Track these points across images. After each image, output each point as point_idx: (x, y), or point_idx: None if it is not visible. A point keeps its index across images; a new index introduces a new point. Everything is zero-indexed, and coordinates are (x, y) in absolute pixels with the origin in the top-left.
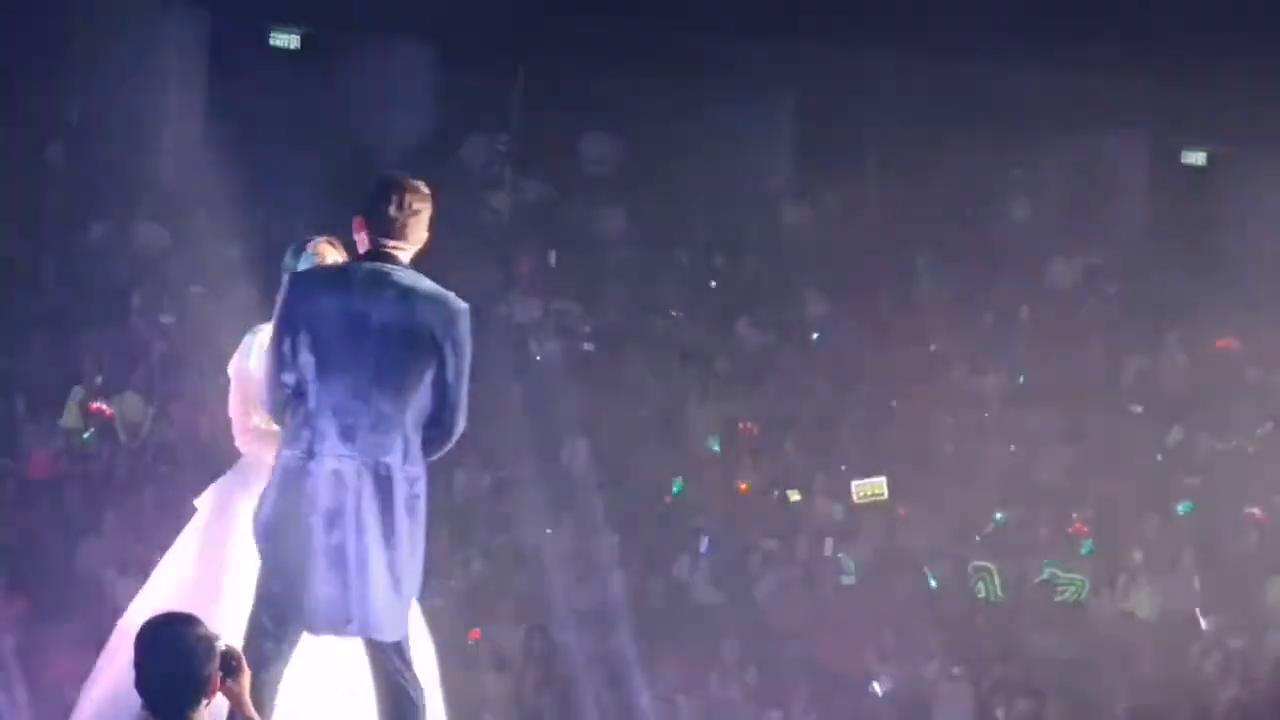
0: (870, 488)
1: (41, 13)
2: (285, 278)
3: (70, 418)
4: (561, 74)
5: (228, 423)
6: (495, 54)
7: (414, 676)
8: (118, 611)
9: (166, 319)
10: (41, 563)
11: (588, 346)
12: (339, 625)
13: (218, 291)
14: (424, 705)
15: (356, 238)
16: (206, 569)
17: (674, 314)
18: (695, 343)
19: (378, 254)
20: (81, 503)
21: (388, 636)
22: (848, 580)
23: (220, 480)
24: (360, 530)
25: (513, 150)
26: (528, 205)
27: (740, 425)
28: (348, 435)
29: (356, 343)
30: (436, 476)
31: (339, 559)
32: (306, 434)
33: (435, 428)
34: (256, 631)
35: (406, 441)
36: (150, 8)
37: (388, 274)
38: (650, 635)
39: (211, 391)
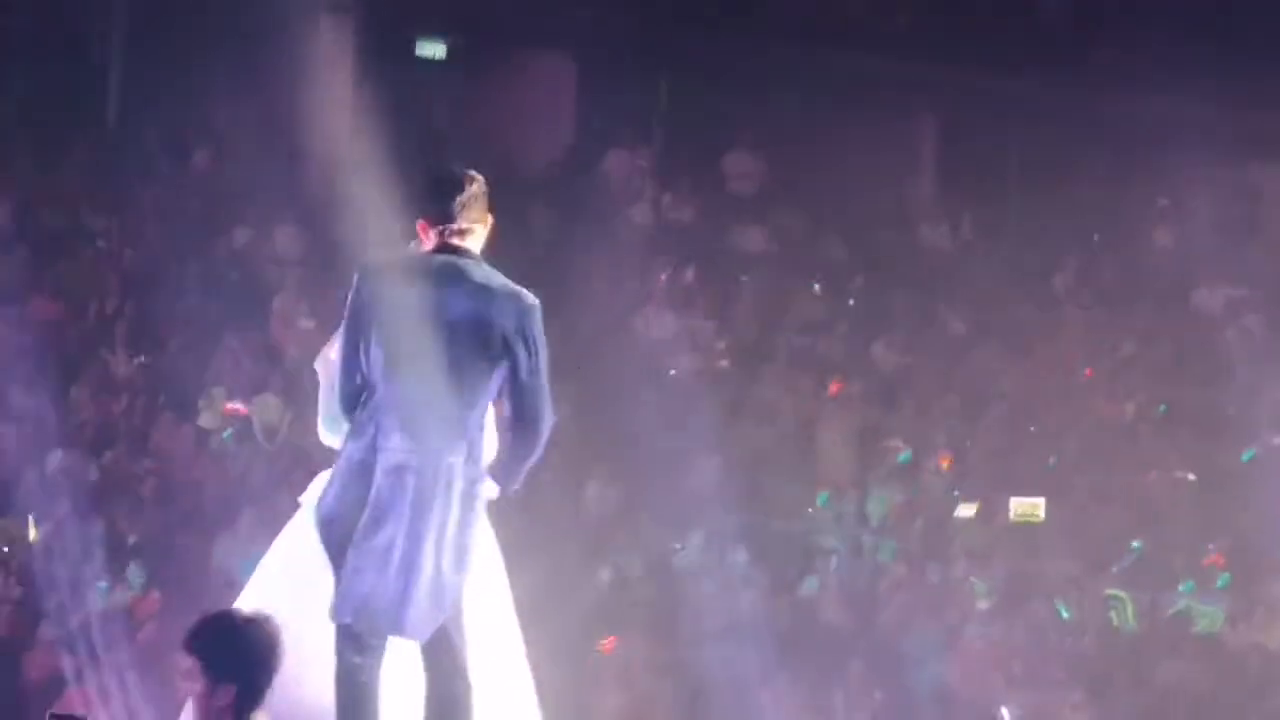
0: (1028, 507)
1: (189, 20)
2: (361, 269)
3: (209, 418)
4: (704, 90)
5: None
6: (638, 69)
7: (463, 676)
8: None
9: (306, 323)
10: (178, 560)
11: (723, 363)
12: (374, 622)
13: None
14: (471, 705)
15: (424, 239)
16: (304, 564)
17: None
18: (831, 363)
19: (447, 247)
20: (218, 502)
21: (421, 637)
22: (981, 604)
23: (321, 474)
24: (413, 529)
25: (653, 165)
26: (667, 220)
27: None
28: (413, 432)
29: (427, 338)
30: (566, 490)
31: (384, 556)
32: (371, 429)
33: (521, 429)
34: (337, 635)
35: (471, 442)
36: (298, 15)
37: (462, 269)
38: (777, 654)
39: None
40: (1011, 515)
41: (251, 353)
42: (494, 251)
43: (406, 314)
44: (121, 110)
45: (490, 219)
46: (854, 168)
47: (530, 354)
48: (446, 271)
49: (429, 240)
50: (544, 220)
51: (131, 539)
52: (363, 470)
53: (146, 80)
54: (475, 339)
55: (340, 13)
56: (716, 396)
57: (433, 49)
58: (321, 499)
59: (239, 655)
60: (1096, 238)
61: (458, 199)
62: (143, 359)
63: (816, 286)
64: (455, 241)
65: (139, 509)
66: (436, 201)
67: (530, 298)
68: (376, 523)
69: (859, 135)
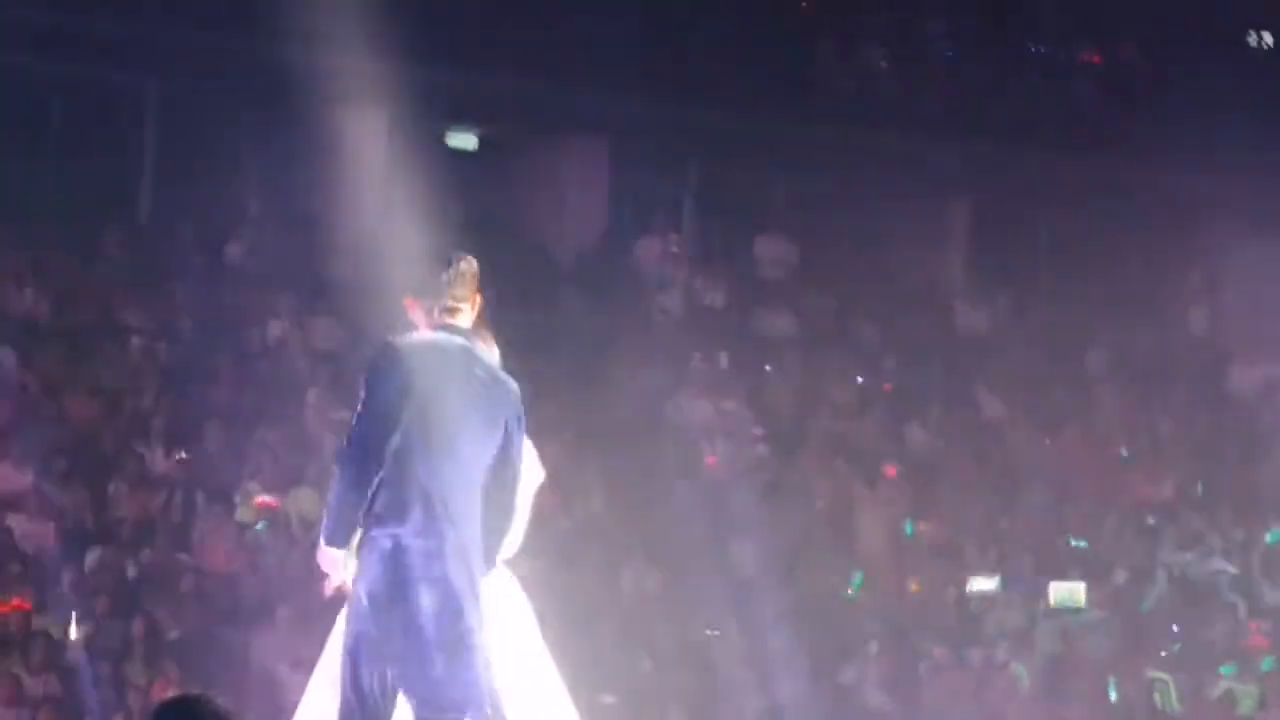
0: (1068, 593)
1: (221, 114)
2: (384, 347)
3: (246, 512)
4: (735, 173)
5: None
6: (668, 155)
7: None
8: (290, 707)
9: (340, 415)
10: (217, 656)
11: (758, 448)
12: (446, 708)
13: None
14: None
15: (413, 317)
16: None
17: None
18: (866, 445)
19: (446, 326)
20: (256, 596)
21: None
22: (1023, 687)
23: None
24: (456, 608)
25: (684, 251)
26: (699, 306)
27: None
28: (436, 513)
29: (449, 419)
30: (603, 574)
31: (453, 643)
32: (397, 511)
33: (503, 506)
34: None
35: (477, 520)
36: (330, 107)
37: (472, 350)
38: None
39: None
40: (1052, 601)
41: (286, 445)
42: (527, 340)
43: (433, 395)
44: (154, 204)
45: (479, 299)
46: (886, 248)
47: (520, 436)
48: (461, 354)
49: (420, 319)
50: (576, 307)
51: (171, 635)
52: (396, 554)
53: (179, 174)
54: (486, 420)
55: (372, 103)
56: (752, 481)
57: (464, 140)
58: (357, 591)
59: None
60: (1134, 311)
61: (446, 276)
62: (181, 454)
63: (859, 379)
64: (449, 320)
65: (178, 605)
66: (435, 281)
67: (514, 383)
68: (423, 607)
69: (891, 215)
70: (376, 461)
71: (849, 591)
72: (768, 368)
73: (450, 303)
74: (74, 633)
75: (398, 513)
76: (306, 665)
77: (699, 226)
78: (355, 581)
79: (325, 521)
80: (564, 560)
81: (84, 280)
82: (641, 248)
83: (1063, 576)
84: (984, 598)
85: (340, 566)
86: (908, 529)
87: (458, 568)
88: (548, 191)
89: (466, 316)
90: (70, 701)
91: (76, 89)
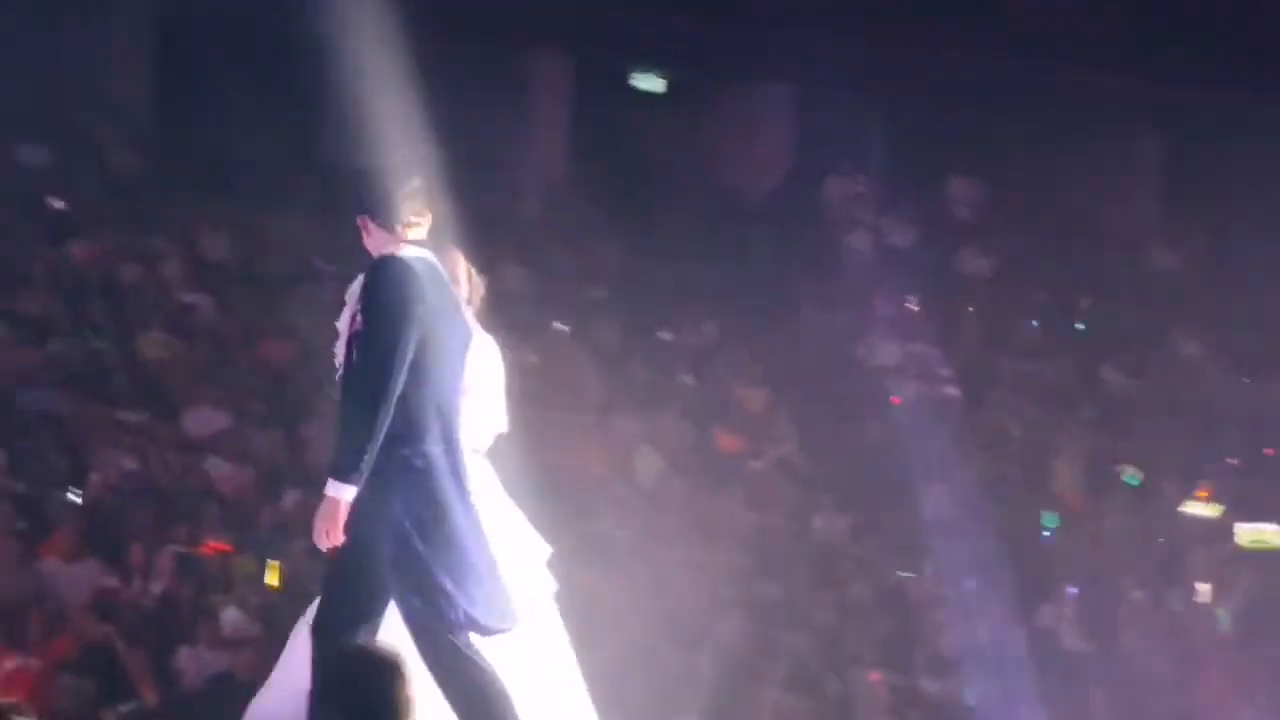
0: (1259, 534)
1: (407, 59)
2: (390, 260)
3: None
4: (924, 114)
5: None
6: (856, 95)
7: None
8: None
9: (530, 358)
10: None
11: (949, 390)
12: (498, 620)
13: (580, 330)
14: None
15: (368, 242)
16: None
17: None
18: (1059, 387)
19: (418, 243)
20: None
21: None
22: (1224, 631)
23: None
24: (480, 520)
25: (873, 191)
26: (887, 247)
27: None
28: (449, 426)
29: (442, 330)
30: (794, 519)
31: (482, 551)
32: (421, 427)
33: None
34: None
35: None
36: (515, 51)
37: (439, 268)
38: (1014, 684)
39: (575, 427)
40: (1240, 542)
41: None
42: (717, 280)
43: (437, 314)
44: (344, 151)
45: (430, 216)
46: (1077, 187)
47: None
48: (438, 269)
49: (379, 238)
50: (764, 249)
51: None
52: (429, 473)
53: (368, 122)
54: (463, 330)
55: (558, 47)
56: (943, 423)
57: (650, 82)
58: (401, 520)
59: None
60: None
61: (403, 192)
62: None
63: (1035, 323)
64: (410, 236)
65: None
66: (386, 198)
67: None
68: (468, 523)
69: (1082, 153)
70: (400, 377)
71: (1044, 533)
72: (958, 308)
73: (412, 219)
74: (272, 576)
75: (421, 429)
76: None
77: (886, 167)
78: (378, 509)
79: (346, 452)
80: (754, 504)
81: (279, 226)
82: (829, 189)
83: (1263, 520)
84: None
85: (347, 505)
86: (1131, 479)
87: (469, 480)
88: (735, 134)
89: (423, 233)
90: (270, 642)
91: (270, 39)
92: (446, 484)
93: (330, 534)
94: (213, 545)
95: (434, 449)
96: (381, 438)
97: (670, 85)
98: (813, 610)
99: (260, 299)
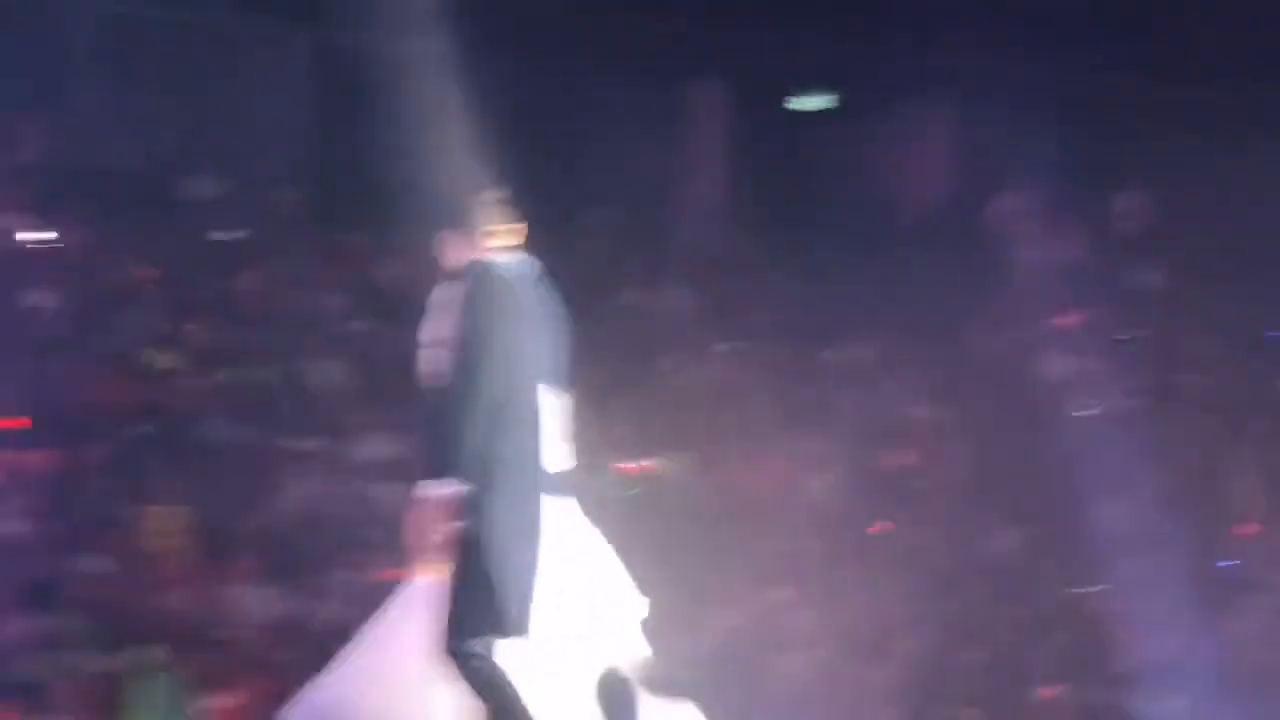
0: None
1: (566, 89)
2: (484, 266)
3: (606, 478)
4: (1087, 129)
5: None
6: (1019, 111)
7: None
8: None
9: (695, 379)
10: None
11: (1123, 404)
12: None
13: (744, 352)
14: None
15: (451, 254)
16: None
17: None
18: (1234, 401)
19: (503, 250)
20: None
21: None
22: None
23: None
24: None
25: (1040, 207)
26: (1056, 262)
27: None
28: (544, 432)
29: (537, 343)
30: (967, 536)
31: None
32: (518, 439)
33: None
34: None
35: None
36: (675, 78)
37: (536, 277)
38: (1194, 699)
39: (746, 449)
40: None
41: (643, 412)
42: (883, 299)
43: (532, 318)
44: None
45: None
46: (1246, 202)
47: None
48: (532, 275)
49: (459, 251)
50: (929, 267)
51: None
52: (523, 476)
53: (534, 149)
54: (550, 337)
55: (714, 72)
56: (1118, 437)
57: (809, 103)
58: (494, 513)
59: None
60: None
61: (483, 204)
62: None
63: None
64: (493, 245)
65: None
66: (467, 210)
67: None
68: (535, 527)
69: (1250, 168)
70: (494, 384)
71: (1223, 547)
72: (1130, 323)
73: (494, 228)
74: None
75: (511, 433)
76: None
77: (1051, 182)
78: (488, 513)
79: (450, 461)
80: (926, 521)
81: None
82: (994, 206)
83: None
84: None
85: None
86: None
87: (553, 485)
88: (897, 153)
89: (506, 241)
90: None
91: (432, 65)
92: (521, 490)
93: (422, 533)
94: (387, 571)
95: (524, 448)
96: (474, 446)
97: (830, 106)
98: (990, 626)
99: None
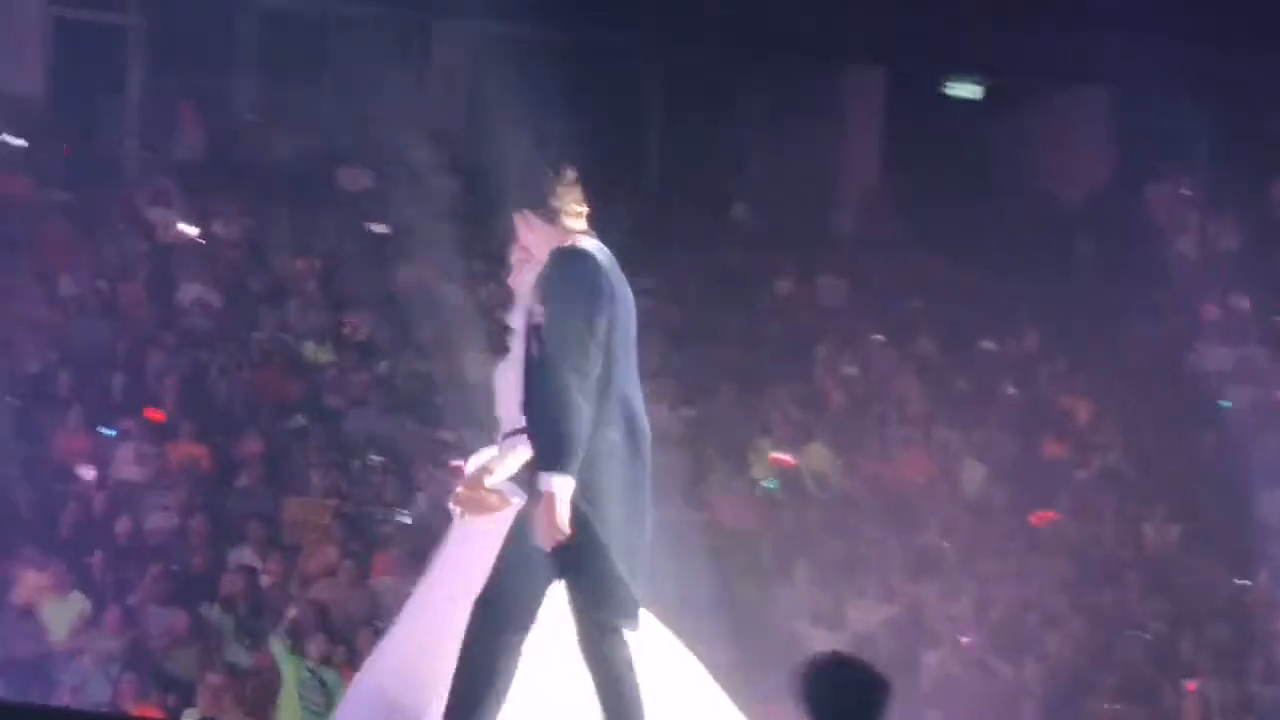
0: None
1: (724, 78)
2: (574, 250)
3: (758, 468)
4: (1246, 114)
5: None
6: (1178, 97)
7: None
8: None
9: (849, 370)
10: (738, 611)
11: None
12: (636, 619)
13: (898, 341)
14: None
15: (528, 237)
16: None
17: None
18: None
19: (586, 233)
20: (771, 553)
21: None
22: None
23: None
24: (647, 505)
25: (1199, 194)
26: (1214, 250)
27: None
28: (637, 416)
29: (626, 325)
30: (1124, 528)
31: (645, 536)
32: (611, 414)
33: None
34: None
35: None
36: (829, 64)
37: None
38: None
39: (895, 441)
40: None
41: (797, 402)
42: (1039, 288)
43: (624, 302)
44: (663, 171)
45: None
46: None
47: None
48: (613, 259)
49: (541, 233)
50: (1086, 254)
51: (686, 592)
52: (628, 457)
53: (686, 140)
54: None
55: (871, 58)
56: (1277, 428)
57: (966, 89)
58: (601, 494)
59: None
60: None
61: (562, 184)
62: (690, 411)
63: None
64: (576, 226)
65: (693, 562)
66: (545, 191)
67: None
68: (642, 506)
69: None
70: (593, 364)
71: None
72: None
73: (574, 208)
74: None
75: (605, 415)
76: (825, 620)
77: (1211, 170)
78: (595, 487)
79: (552, 443)
80: (1082, 513)
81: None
82: (1151, 193)
83: None
84: None
85: (567, 496)
86: None
87: (648, 471)
88: (1055, 140)
89: (583, 223)
90: None
91: (583, 56)
92: (626, 471)
93: (559, 528)
94: None
95: (615, 435)
96: (585, 423)
97: (988, 92)
98: (1145, 619)
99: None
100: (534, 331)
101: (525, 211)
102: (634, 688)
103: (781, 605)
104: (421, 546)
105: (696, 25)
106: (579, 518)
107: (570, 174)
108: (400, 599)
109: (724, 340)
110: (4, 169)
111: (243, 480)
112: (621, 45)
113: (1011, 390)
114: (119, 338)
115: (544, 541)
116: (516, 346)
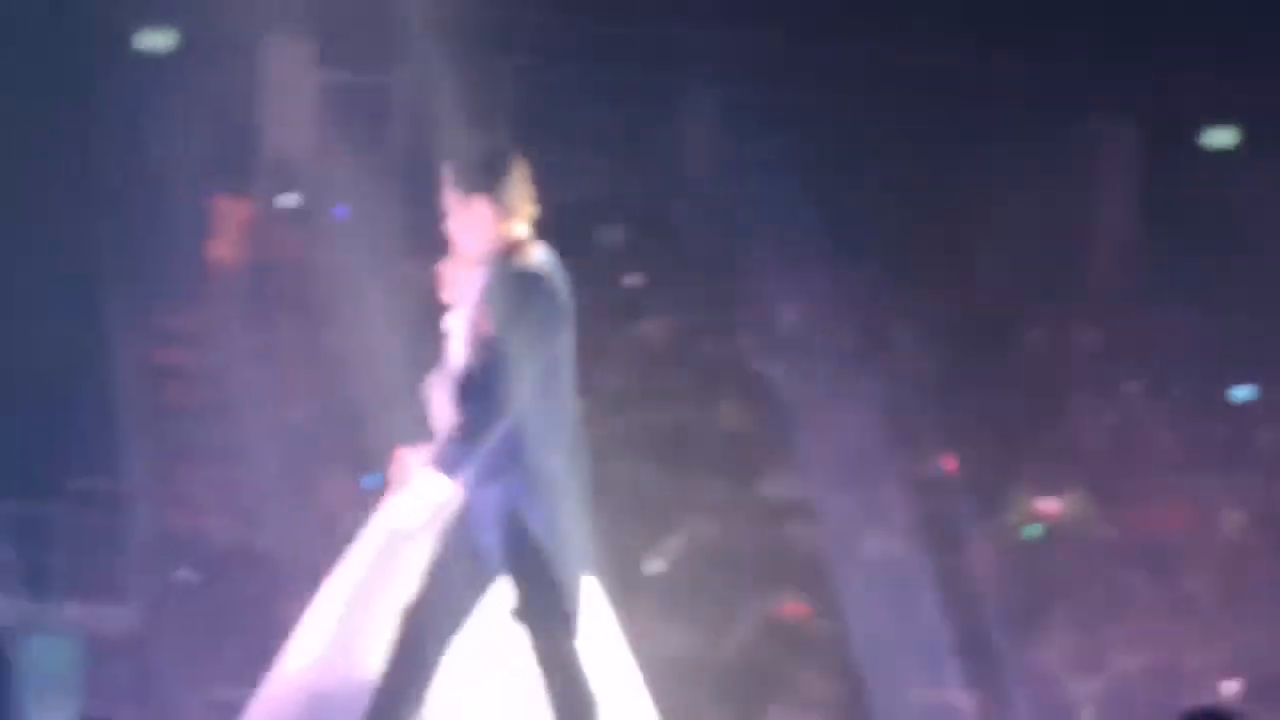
0: None
1: (976, 130)
2: (529, 276)
3: (1016, 516)
4: None
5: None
6: None
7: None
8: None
9: (1108, 419)
10: (993, 659)
11: None
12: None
13: (1156, 390)
14: None
15: (477, 222)
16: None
17: None
18: None
19: (535, 236)
20: (1025, 599)
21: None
22: None
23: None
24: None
25: None
26: None
27: None
28: (577, 435)
29: (568, 340)
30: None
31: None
32: (552, 440)
33: None
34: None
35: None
36: (1079, 113)
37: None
38: None
39: (1153, 488)
40: None
41: (1054, 451)
42: None
43: (565, 315)
44: (910, 220)
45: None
46: None
47: None
48: (560, 268)
49: (489, 223)
50: None
51: (948, 638)
52: (555, 479)
53: (930, 189)
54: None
55: (1117, 111)
56: None
57: (1219, 138)
58: (536, 520)
59: None
60: None
61: (514, 173)
62: (946, 460)
63: None
64: (521, 222)
65: (955, 607)
66: (517, 185)
67: None
68: (570, 525)
69: None
70: (526, 386)
71: None
72: None
73: (529, 204)
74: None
75: (552, 435)
76: (1084, 665)
77: None
78: (507, 511)
79: (452, 454)
80: None
81: (848, 292)
82: None
83: None
84: None
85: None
86: None
87: (585, 486)
88: None
89: (528, 225)
90: (855, 705)
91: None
92: (570, 488)
93: (412, 520)
94: (792, 607)
95: (558, 457)
96: (488, 444)
97: (1245, 140)
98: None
99: (833, 368)
100: (481, 344)
101: (476, 196)
102: (585, 696)
103: (1037, 651)
104: (669, 598)
105: (951, 80)
106: (531, 535)
107: (526, 168)
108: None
109: (979, 389)
110: (277, 230)
111: None
112: (863, 105)
113: (1269, 436)
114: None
115: (393, 523)
116: (455, 354)
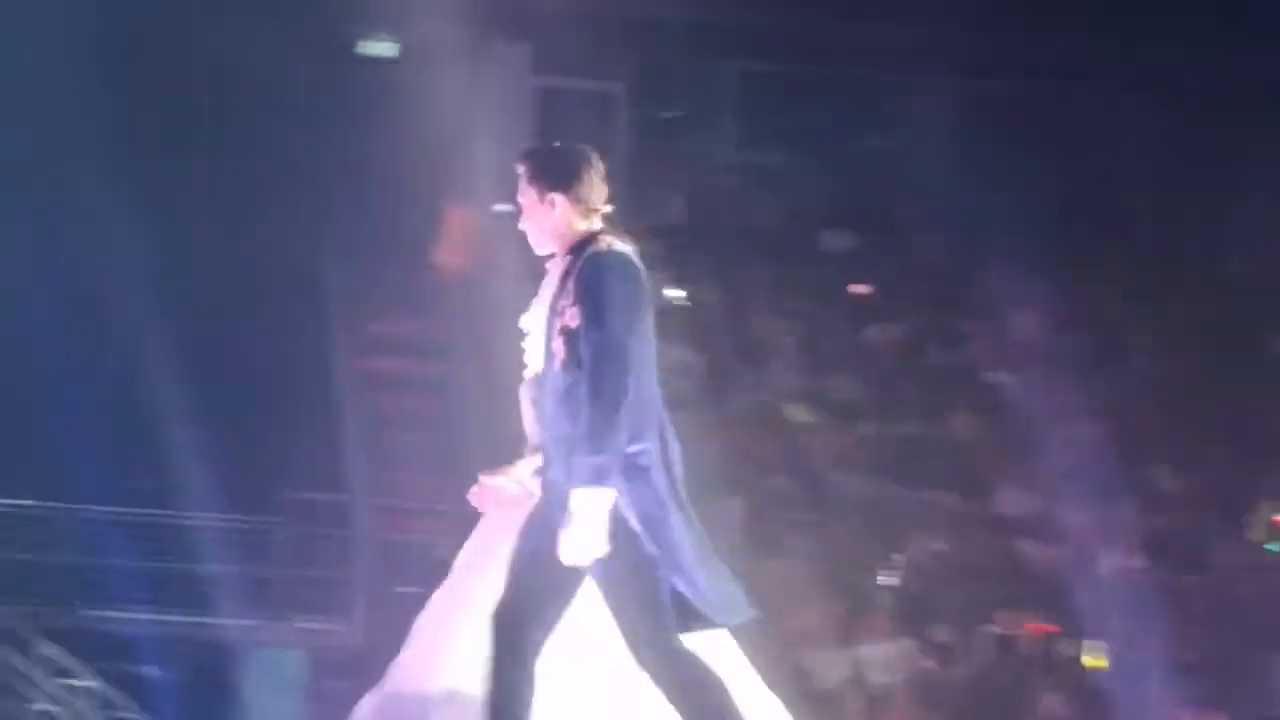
0: None
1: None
2: (617, 253)
3: (1258, 530)
4: None
5: None
6: None
7: None
8: None
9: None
10: (1239, 680)
11: None
12: (737, 612)
13: None
14: None
15: (555, 218)
16: None
17: None
18: None
19: (614, 233)
20: (1271, 615)
21: None
22: None
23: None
24: (694, 517)
25: None
26: None
27: None
28: (666, 423)
29: (653, 330)
30: None
31: (704, 550)
32: (644, 427)
33: None
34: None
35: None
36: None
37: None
38: None
39: None
40: None
41: None
42: None
43: (650, 304)
44: (1154, 222)
45: None
46: None
47: None
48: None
49: (572, 219)
50: None
51: (1188, 657)
52: (655, 472)
53: (1178, 188)
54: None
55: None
56: None
57: None
58: (630, 520)
59: None
60: None
61: (598, 173)
62: (1188, 472)
63: None
64: (600, 221)
65: (1196, 626)
66: (597, 182)
67: None
68: (687, 521)
69: None
70: (637, 373)
71: None
72: None
73: (604, 202)
74: (1090, 655)
75: (643, 426)
76: None
77: None
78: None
79: (593, 456)
80: None
81: (1083, 301)
82: None
83: None
84: None
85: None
86: None
87: (680, 474)
88: None
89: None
90: None
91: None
92: (665, 480)
93: (595, 545)
94: (1035, 626)
95: (653, 445)
96: (622, 444)
97: None
98: None
99: (1067, 377)
100: (570, 337)
101: (556, 193)
102: (707, 686)
103: None
104: (902, 610)
105: (1197, 79)
106: (628, 536)
107: (602, 166)
108: (885, 663)
109: (1222, 399)
110: (496, 237)
111: None
112: (1104, 99)
113: None
114: None
115: (582, 560)
116: (545, 357)
